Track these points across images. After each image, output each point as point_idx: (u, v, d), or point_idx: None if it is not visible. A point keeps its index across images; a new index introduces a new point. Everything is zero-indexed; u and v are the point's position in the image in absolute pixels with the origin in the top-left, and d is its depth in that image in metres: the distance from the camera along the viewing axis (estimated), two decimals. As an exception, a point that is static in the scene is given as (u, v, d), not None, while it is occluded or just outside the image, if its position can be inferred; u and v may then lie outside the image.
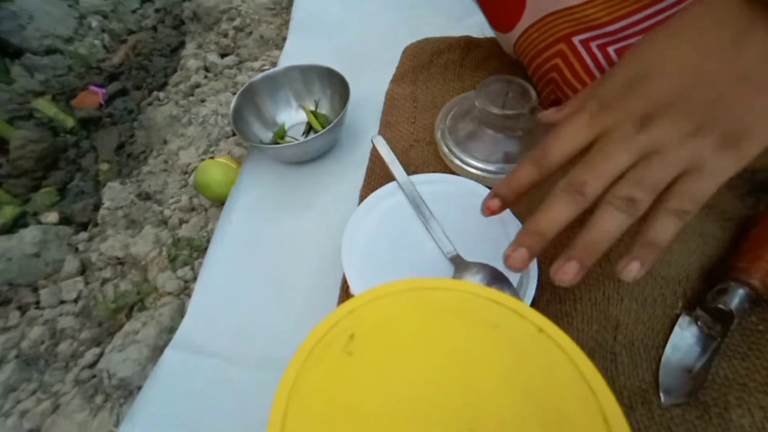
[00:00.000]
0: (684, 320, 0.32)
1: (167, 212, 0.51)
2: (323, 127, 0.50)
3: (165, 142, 0.61)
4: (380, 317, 0.16)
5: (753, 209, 0.37)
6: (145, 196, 0.55)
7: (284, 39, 0.73)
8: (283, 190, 0.45)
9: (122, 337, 0.37)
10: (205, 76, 0.69)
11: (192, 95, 0.67)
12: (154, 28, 1.08)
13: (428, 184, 0.36)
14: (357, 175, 0.45)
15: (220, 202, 0.48)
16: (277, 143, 0.50)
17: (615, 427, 0.11)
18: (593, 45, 0.34)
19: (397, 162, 0.37)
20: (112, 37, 1.06)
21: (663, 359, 0.31)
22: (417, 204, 0.34)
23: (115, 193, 0.56)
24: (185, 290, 0.43)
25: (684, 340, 0.32)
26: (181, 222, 0.50)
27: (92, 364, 0.37)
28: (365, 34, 0.62)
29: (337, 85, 0.48)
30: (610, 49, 0.34)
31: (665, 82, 0.21)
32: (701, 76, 0.20)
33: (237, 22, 0.75)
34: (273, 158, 0.47)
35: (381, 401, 0.13)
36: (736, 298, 0.30)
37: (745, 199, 0.37)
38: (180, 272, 0.45)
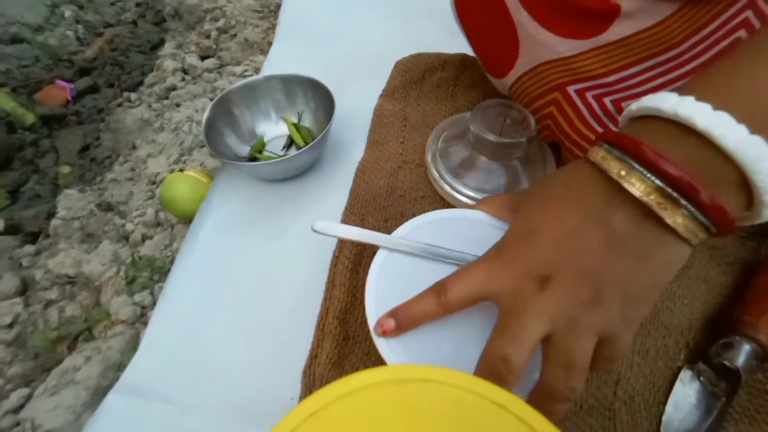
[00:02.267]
0: (686, 374, 0.30)
1: (129, 226, 0.47)
2: (305, 142, 0.46)
3: (134, 147, 0.56)
4: (348, 421, 0.12)
5: (755, 253, 0.35)
6: (107, 207, 0.50)
7: (270, 44, 0.69)
8: (258, 211, 0.41)
9: (58, 375, 0.32)
10: (183, 79, 0.64)
11: (167, 98, 0.62)
12: (134, 22, 1.03)
13: (415, 228, 0.30)
14: (340, 197, 0.41)
15: (187, 219, 0.44)
16: (255, 157, 0.46)
17: None
18: (589, 95, 0.33)
19: (366, 233, 0.30)
20: (87, 28, 1.00)
21: (664, 419, 0.28)
22: (423, 251, 0.29)
23: (72, 202, 0.50)
24: (141, 318, 0.39)
25: (686, 397, 0.29)
26: (144, 238, 0.45)
27: (17, 409, 0.32)
28: (356, 44, 0.59)
29: (321, 98, 0.45)
30: (607, 100, 0.33)
31: (552, 242, 0.22)
32: (582, 240, 0.21)
33: (221, 23, 0.71)
34: (248, 175, 0.44)
35: None
36: (742, 355, 0.28)
37: (745, 243, 0.36)
38: (137, 297, 0.40)
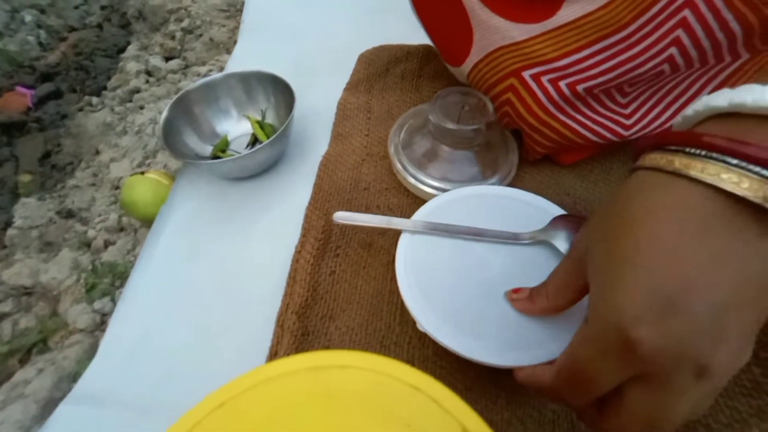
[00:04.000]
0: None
1: (91, 233, 0.45)
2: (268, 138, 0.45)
3: (97, 152, 0.55)
4: (259, 412, 0.12)
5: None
6: (67, 214, 0.48)
7: (236, 43, 0.68)
8: (221, 210, 0.40)
9: (7, 390, 0.30)
10: (147, 81, 0.63)
11: (130, 101, 0.60)
12: (99, 26, 1.00)
13: (433, 209, 0.33)
14: (305, 192, 0.41)
15: (150, 222, 0.43)
16: (218, 157, 0.45)
17: None
18: (544, 79, 0.33)
19: (387, 219, 0.32)
20: (49, 33, 0.97)
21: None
22: (443, 229, 0.31)
23: (30, 210, 0.49)
24: (101, 326, 0.38)
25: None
26: (107, 244, 0.44)
27: None
28: (320, 41, 0.58)
29: (283, 94, 0.44)
30: (562, 84, 0.33)
31: (709, 308, 0.15)
32: (730, 291, 0.15)
33: (186, 24, 0.69)
34: (209, 174, 0.43)
35: None
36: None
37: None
38: (97, 304, 0.39)
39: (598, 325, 0.17)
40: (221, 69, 0.63)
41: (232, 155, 0.45)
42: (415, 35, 0.54)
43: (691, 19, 0.31)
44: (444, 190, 0.36)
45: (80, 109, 0.62)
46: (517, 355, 0.25)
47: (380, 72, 0.50)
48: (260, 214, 0.40)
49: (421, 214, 0.32)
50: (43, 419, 0.29)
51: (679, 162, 0.16)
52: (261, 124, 0.47)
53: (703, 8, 0.31)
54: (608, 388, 0.17)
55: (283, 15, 0.62)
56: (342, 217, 0.33)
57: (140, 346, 0.32)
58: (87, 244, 0.44)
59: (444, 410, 0.11)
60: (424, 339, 0.31)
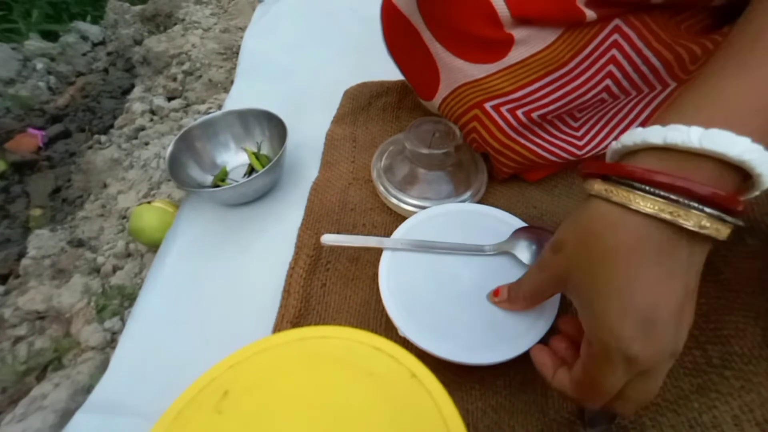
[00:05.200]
0: (606, 344, 0.34)
1: (101, 259, 0.49)
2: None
3: (104, 186, 0.59)
4: (261, 371, 0.15)
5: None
6: (78, 243, 0.52)
7: (233, 82, 0.74)
8: (221, 233, 0.44)
9: (26, 404, 0.33)
10: (151, 119, 0.68)
11: (136, 138, 0.66)
12: (105, 70, 1.07)
13: (410, 228, 0.37)
14: (297, 215, 0.45)
15: (156, 248, 0.47)
16: (218, 186, 0.49)
17: None
18: (503, 109, 0.39)
19: (369, 239, 0.36)
20: (59, 78, 1.04)
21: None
22: (420, 246, 0.35)
23: (42, 241, 0.52)
24: (111, 343, 0.40)
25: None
26: (115, 269, 0.47)
27: None
28: (311, 80, 0.64)
29: (276, 127, 0.49)
30: (519, 113, 0.38)
31: (674, 324, 0.21)
32: (690, 303, 0.22)
33: (186, 66, 0.76)
34: (210, 201, 0.47)
35: None
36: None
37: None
38: (108, 323, 0.42)
39: (602, 347, 0.22)
40: (219, 107, 0.69)
41: (231, 184, 0.49)
42: (394, 72, 0.60)
43: (619, 57, 0.37)
44: (423, 208, 0.41)
45: (90, 147, 0.67)
46: (486, 354, 0.29)
47: (363, 106, 0.55)
48: (257, 235, 0.44)
49: (401, 231, 0.37)
50: (61, 427, 0.32)
51: (630, 197, 0.21)
52: (257, 155, 0.52)
53: (627, 48, 0.36)
54: (617, 390, 0.22)
55: (275, 57, 0.69)
56: (329, 239, 0.37)
57: (149, 358, 0.35)
58: (96, 270, 0.48)
59: (398, 362, 0.15)
60: (407, 343, 0.34)
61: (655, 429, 0.28)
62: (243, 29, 0.89)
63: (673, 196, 0.20)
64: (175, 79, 0.75)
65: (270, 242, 0.44)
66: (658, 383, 0.22)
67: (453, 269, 0.34)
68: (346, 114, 0.55)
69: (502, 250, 0.34)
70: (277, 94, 0.61)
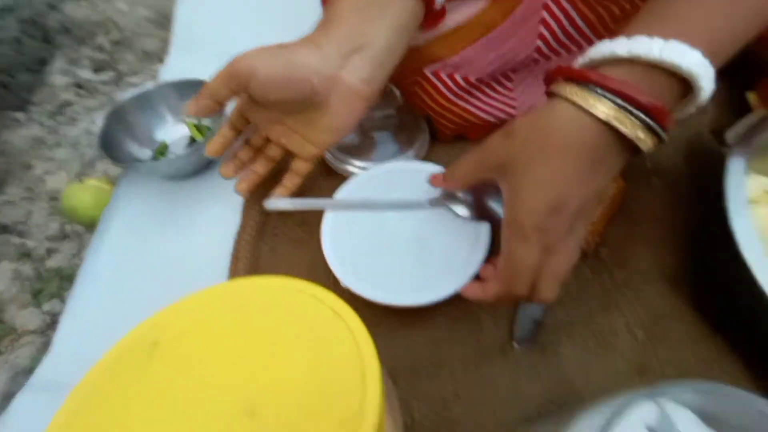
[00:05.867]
0: (534, 282, 0.38)
1: (31, 243, 0.46)
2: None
3: (29, 167, 0.55)
4: (187, 321, 0.16)
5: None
6: (2, 230, 0.48)
7: (168, 54, 0.69)
8: (164, 208, 0.43)
9: None
10: (77, 94, 0.63)
11: (60, 114, 0.60)
12: (18, 40, 0.96)
13: (352, 188, 0.38)
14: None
15: (94, 226, 0.45)
16: (159, 160, 0.47)
17: (369, 386, 0.13)
18: (442, 74, 0.40)
19: (310, 202, 0.37)
20: (-40, 52, 0.92)
21: (517, 315, 0.36)
22: (362, 205, 0.36)
23: (-38, 230, 0.48)
24: (52, 326, 0.39)
25: (534, 299, 0.37)
26: (50, 252, 0.45)
27: None
28: (252, 46, 0.61)
29: (217, 97, 0.47)
30: (457, 76, 0.40)
31: (578, 206, 0.25)
32: (585, 199, 0.25)
33: (114, 36, 0.70)
34: (150, 175, 0.45)
35: (171, 400, 0.13)
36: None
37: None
38: (46, 306, 0.40)
39: (519, 226, 0.25)
40: (155, 78, 0.65)
41: (170, 157, 0.47)
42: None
43: (548, 18, 0.39)
44: (366, 168, 0.42)
45: (6, 126, 0.61)
46: (423, 295, 0.31)
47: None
48: (203, 208, 0.43)
49: (343, 192, 0.38)
50: (2, 409, 0.31)
51: (579, 97, 0.23)
52: (197, 126, 0.50)
53: (555, 9, 0.39)
54: (534, 268, 0.26)
55: (212, 25, 0.65)
56: (272, 204, 0.37)
57: (92, 338, 0.34)
58: (27, 254, 0.45)
59: (321, 302, 0.16)
60: (352, 296, 0.36)
61: (569, 340, 0.33)
62: (175, -5, 0.83)
63: (620, 102, 0.22)
64: (102, 50, 0.69)
65: (217, 214, 0.43)
66: (568, 260, 0.26)
67: (393, 224, 0.36)
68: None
69: (440, 204, 0.37)
70: (215, 64, 0.58)
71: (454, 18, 0.38)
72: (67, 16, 0.75)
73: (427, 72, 0.41)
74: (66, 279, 0.42)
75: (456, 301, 0.31)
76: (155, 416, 0.13)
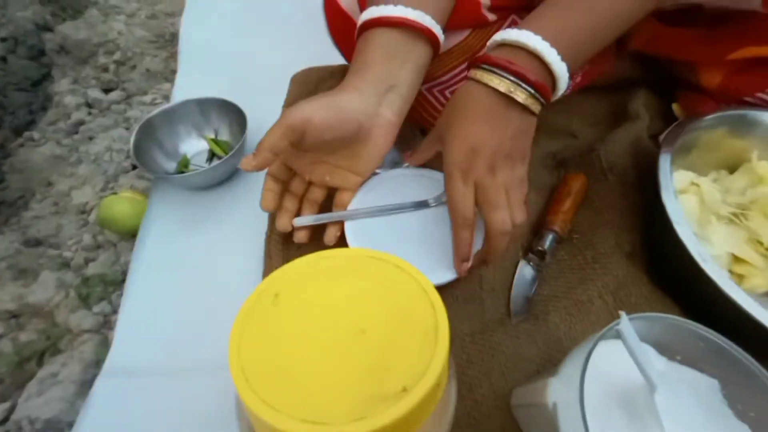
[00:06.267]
0: (522, 263, 0.45)
1: (68, 254, 0.50)
2: (225, 153, 0.54)
3: (49, 184, 0.58)
4: (296, 279, 0.23)
5: (556, 179, 0.52)
6: (35, 243, 0.52)
7: (172, 72, 0.73)
8: (195, 215, 0.48)
9: (38, 383, 0.35)
10: (89, 113, 0.66)
11: (76, 133, 0.64)
12: (3, 59, 0.97)
13: (364, 196, 0.43)
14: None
15: (130, 235, 0.49)
16: (182, 172, 0.52)
17: (440, 320, 0.20)
18: (435, 90, 0.47)
19: (330, 215, 0.42)
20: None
21: (512, 294, 0.43)
22: (377, 212, 0.42)
23: (-7, 245, 0.51)
24: (105, 324, 0.43)
25: (523, 276, 0.45)
26: (87, 261, 0.49)
27: (3, 420, 0.34)
28: (256, 66, 0.67)
29: (234, 114, 0.53)
30: (447, 92, 0.47)
31: (490, 149, 0.33)
32: (498, 145, 0.34)
33: (117, 56, 0.73)
34: (180, 186, 0.50)
35: (299, 330, 0.20)
36: (547, 241, 0.44)
37: (552, 173, 0.53)
38: (96, 308, 0.44)
39: (449, 169, 0.34)
40: (164, 97, 0.69)
41: (195, 169, 0.52)
42: (335, 54, 0.66)
43: None
44: (374, 174, 0.48)
45: (22, 145, 0.64)
46: (436, 276, 0.38)
47: (311, 90, 0.61)
48: (228, 214, 0.49)
49: (357, 197, 0.43)
50: (83, 395, 0.35)
51: (481, 76, 0.32)
52: (216, 141, 0.55)
53: None
54: (471, 198, 0.34)
55: (217, 44, 0.70)
56: (301, 221, 0.42)
57: (150, 328, 0.40)
58: (66, 265, 0.49)
59: (385, 261, 0.23)
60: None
61: (555, 310, 0.40)
62: (170, 15, 0.86)
63: (513, 78, 0.31)
64: (106, 70, 0.72)
65: (241, 219, 0.49)
66: (498, 183, 0.34)
67: (403, 221, 0.42)
68: (295, 99, 0.60)
69: (442, 201, 0.44)
70: (225, 79, 0.64)
71: (444, 45, 0.45)
72: (65, 36, 0.77)
73: (423, 89, 0.48)
74: (110, 283, 0.46)
75: (461, 283, 0.38)
76: (290, 338, 0.19)
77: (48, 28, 0.93)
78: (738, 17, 0.41)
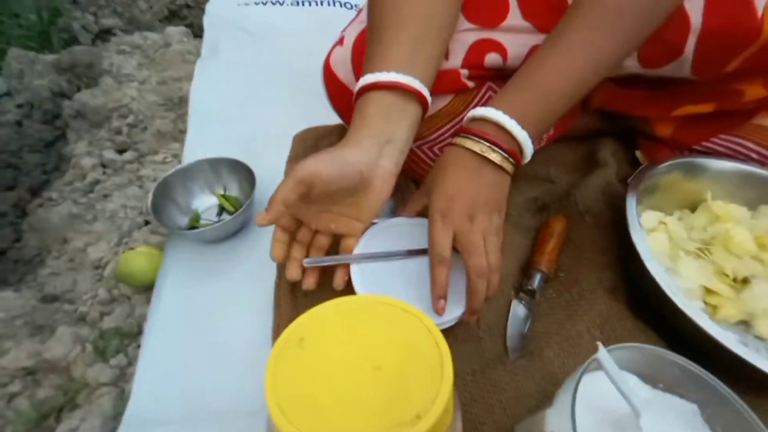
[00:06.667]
0: (515, 302, 0.49)
1: (83, 309, 0.52)
2: (234, 208, 0.58)
3: (66, 241, 0.61)
4: (317, 325, 0.26)
5: (540, 222, 0.58)
6: (51, 299, 0.54)
7: (181, 132, 0.80)
8: (207, 267, 0.52)
9: None
10: (104, 173, 0.71)
11: (92, 192, 0.68)
12: (19, 123, 1.03)
13: (367, 242, 0.46)
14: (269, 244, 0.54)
15: (145, 289, 0.52)
16: (194, 226, 0.56)
17: (444, 356, 0.24)
18: (424, 147, 0.53)
19: (338, 258, 0.45)
20: (-38, 138, 0.97)
21: (508, 332, 0.47)
22: (382, 256, 0.45)
23: (8, 303, 0.53)
24: (122, 377, 0.45)
25: (516, 315, 0.48)
26: (103, 315, 0.51)
27: None
28: (261, 124, 0.74)
29: (243, 172, 0.58)
30: (435, 149, 0.54)
31: (467, 199, 0.39)
32: (476, 190, 0.39)
33: (130, 119, 0.80)
34: (194, 240, 0.54)
35: (324, 369, 0.23)
36: (536, 281, 0.49)
37: (535, 216, 0.58)
38: (113, 361, 0.46)
39: (431, 215, 0.39)
40: (175, 156, 0.74)
41: (206, 224, 0.57)
42: (331, 115, 0.73)
43: None
44: (373, 223, 0.53)
45: (40, 205, 0.67)
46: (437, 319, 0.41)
47: (311, 146, 0.67)
48: (239, 264, 0.52)
49: (361, 244, 0.46)
50: None
51: (461, 141, 0.39)
52: (226, 197, 0.60)
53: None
54: (448, 241, 0.38)
55: (224, 105, 0.77)
56: (310, 262, 0.44)
57: (167, 377, 0.42)
58: (82, 319, 0.51)
59: (394, 306, 0.27)
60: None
61: (549, 346, 0.43)
62: (178, 80, 0.94)
63: (487, 144, 0.38)
64: (120, 132, 0.78)
65: (251, 269, 0.52)
66: (476, 232, 0.38)
67: (406, 267, 0.46)
68: (298, 155, 0.66)
69: None
70: (233, 139, 0.70)
71: (431, 108, 0.52)
72: (84, 103, 0.84)
73: (413, 147, 0.54)
74: (126, 336, 0.48)
75: (460, 323, 0.41)
76: (316, 375, 0.23)
77: (64, 95, 1.00)
78: (676, 81, 0.48)
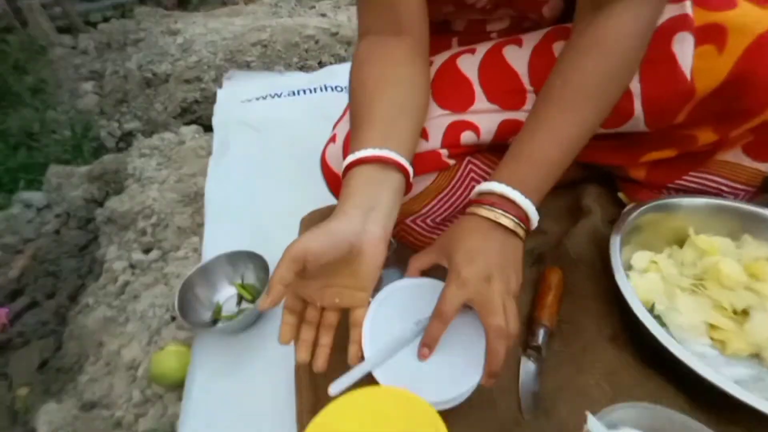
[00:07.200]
0: (523, 359, 0.51)
1: (119, 413, 0.55)
2: (251, 295, 0.63)
3: (101, 344, 0.66)
4: (333, 420, 0.30)
5: (537, 274, 0.60)
6: (90, 406, 0.58)
7: (199, 225, 0.87)
8: (232, 360, 0.56)
9: None
10: (133, 273, 0.78)
11: (123, 294, 0.74)
12: (57, 231, 1.13)
13: (384, 300, 0.46)
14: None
15: (176, 386, 0.56)
16: (217, 319, 0.61)
17: None
18: (418, 221, 0.59)
19: (362, 367, 0.42)
20: (4, 251, 1.06)
21: (520, 391, 0.48)
22: (400, 344, 0.44)
23: (51, 415, 0.57)
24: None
25: (527, 372, 0.49)
26: (138, 417, 0.54)
27: None
28: (272, 211, 0.81)
29: (258, 260, 0.64)
30: (428, 221, 0.59)
31: (484, 262, 0.41)
32: (493, 254, 0.42)
33: (153, 219, 0.88)
34: (219, 334, 0.58)
35: None
36: (540, 336, 0.50)
37: (531, 268, 0.61)
38: (149, 463, 0.48)
39: (449, 275, 0.41)
40: (194, 249, 0.81)
41: (228, 316, 0.61)
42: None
43: (475, 176, 0.59)
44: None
45: (79, 312, 0.73)
46: (451, 389, 0.40)
47: (319, 227, 0.73)
48: (263, 352, 0.56)
49: (370, 316, 0.46)
50: None
51: (475, 210, 0.43)
52: (243, 286, 0.65)
53: (477, 170, 0.59)
54: (459, 303, 0.40)
55: (236, 197, 0.85)
56: (335, 388, 0.40)
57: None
58: (119, 424, 0.54)
59: (404, 398, 0.30)
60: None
61: (563, 403, 0.44)
62: (193, 176, 1.04)
63: (499, 211, 0.42)
64: (145, 233, 0.86)
65: (273, 355, 0.56)
66: (493, 300, 0.39)
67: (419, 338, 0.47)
68: (307, 237, 0.71)
69: None
70: (247, 228, 0.76)
71: (418, 187, 0.57)
72: (113, 209, 0.93)
73: (408, 221, 0.59)
74: (160, 436, 0.51)
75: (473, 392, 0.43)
76: None
77: (96, 202, 1.11)
78: (639, 133, 0.53)
